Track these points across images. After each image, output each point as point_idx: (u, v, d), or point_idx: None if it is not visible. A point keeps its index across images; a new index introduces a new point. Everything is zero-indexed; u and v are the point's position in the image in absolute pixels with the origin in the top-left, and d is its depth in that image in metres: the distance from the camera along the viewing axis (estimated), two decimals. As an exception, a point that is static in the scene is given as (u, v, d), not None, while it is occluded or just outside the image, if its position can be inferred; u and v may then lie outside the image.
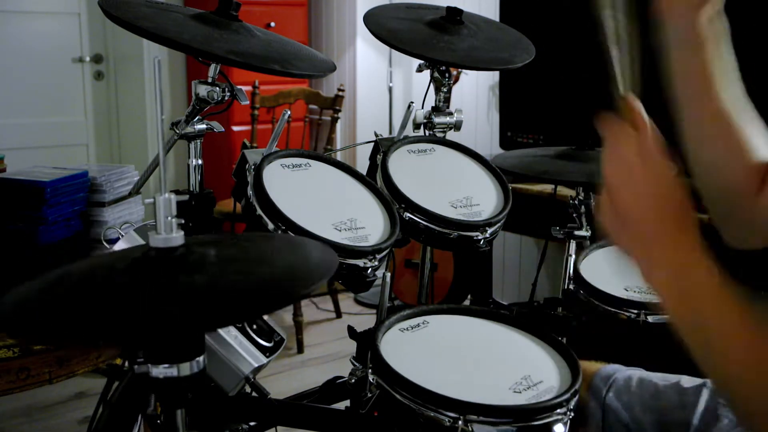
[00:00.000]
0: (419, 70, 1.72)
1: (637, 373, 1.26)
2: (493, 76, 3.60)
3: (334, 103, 3.62)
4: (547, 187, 2.66)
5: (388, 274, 1.29)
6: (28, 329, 0.75)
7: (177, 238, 0.84)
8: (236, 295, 0.77)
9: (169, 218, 0.85)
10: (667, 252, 0.84)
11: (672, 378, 1.24)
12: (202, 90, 1.39)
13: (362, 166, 1.58)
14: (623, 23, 0.92)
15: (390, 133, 1.64)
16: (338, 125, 3.71)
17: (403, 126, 1.61)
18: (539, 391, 1.14)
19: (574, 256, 1.69)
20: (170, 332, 0.77)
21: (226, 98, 1.42)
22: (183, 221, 0.87)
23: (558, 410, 1.09)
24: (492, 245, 1.54)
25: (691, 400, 1.18)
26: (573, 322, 1.57)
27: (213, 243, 0.89)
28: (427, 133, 1.68)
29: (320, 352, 3.36)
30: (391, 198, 1.42)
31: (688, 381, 1.22)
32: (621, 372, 1.27)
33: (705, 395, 1.18)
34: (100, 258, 0.96)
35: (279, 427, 1.33)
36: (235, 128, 3.86)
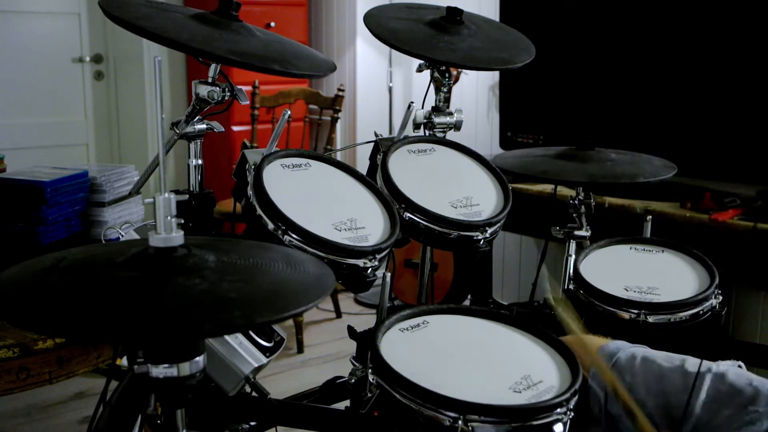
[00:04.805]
0: (419, 70, 1.72)
1: (640, 351, 1.24)
2: (493, 76, 3.60)
3: (334, 103, 3.62)
4: (547, 187, 2.66)
5: (388, 274, 1.29)
6: (19, 313, 0.75)
7: (177, 237, 0.84)
8: (232, 306, 0.77)
9: (169, 218, 0.85)
10: None
11: (676, 359, 1.21)
12: (202, 90, 1.39)
13: (362, 166, 1.58)
14: None
15: (390, 133, 1.64)
16: (338, 125, 3.71)
17: (403, 126, 1.61)
18: (539, 390, 1.14)
19: (574, 256, 1.69)
20: (166, 336, 0.77)
21: (226, 98, 1.42)
22: (182, 221, 0.87)
23: (558, 410, 1.09)
24: (492, 245, 1.54)
25: (696, 384, 1.16)
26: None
27: (212, 246, 0.89)
28: (427, 133, 1.68)
29: (320, 352, 3.35)
30: (391, 198, 1.41)
31: (692, 364, 1.20)
32: (624, 350, 1.25)
33: (708, 381, 1.16)
34: (98, 248, 0.96)
35: (279, 427, 1.33)
36: (235, 128, 3.86)
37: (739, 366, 1.21)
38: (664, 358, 1.23)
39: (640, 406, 1.18)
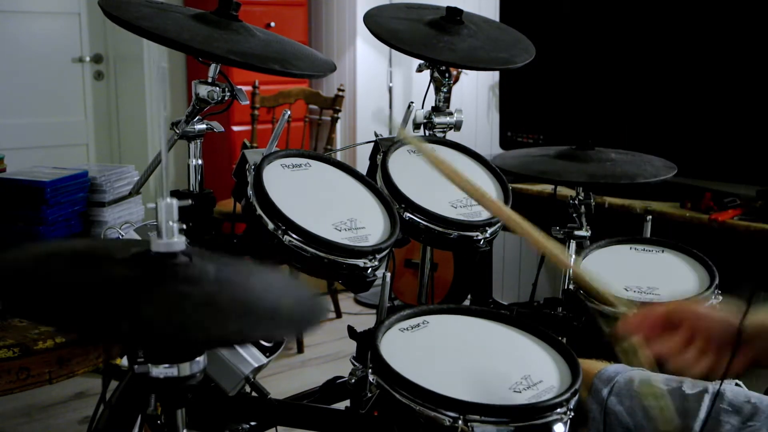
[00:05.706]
0: (419, 70, 1.72)
1: (638, 374, 1.25)
2: (493, 76, 3.60)
3: (334, 103, 3.62)
4: (547, 187, 2.66)
5: (388, 274, 1.29)
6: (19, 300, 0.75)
7: (178, 243, 0.84)
8: (229, 319, 0.77)
9: (171, 223, 0.84)
10: None
11: (674, 381, 1.22)
12: (202, 90, 1.39)
13: (362, 166, 1.58)
14: None
15: (390, 133, 1.64)
16: (338, 125, 3.71)
17: (404, 126, 1.61)
18: (539, 390, 1.14)
19: (574, 256, 1.69)
20: (164, 344, 0.77)
21: (226, 98, 1.42)
22: (184, 226, 0.86)
23: (558, 410, 1.09)
24: (492, 245, 1.54)
25: (693, 406, 1.17)
26: (573, 322, 1.57)
27: (212, 258, 0.89)
28: (427, 133, 1.68)
29: (320, 352, 3.35)
30: (391, 198, 1.42)
31: (689, 386, 1.20)
32: (622, 374, 1.26)
33: (706, 401, 1.17)
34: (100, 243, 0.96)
35: (279, 427, 1.33)
36: (235, 128, 3.86)
37: (737, 384, 1.21)
38: (662, 380, 1.23)
39: (639, 430, 1.18)
